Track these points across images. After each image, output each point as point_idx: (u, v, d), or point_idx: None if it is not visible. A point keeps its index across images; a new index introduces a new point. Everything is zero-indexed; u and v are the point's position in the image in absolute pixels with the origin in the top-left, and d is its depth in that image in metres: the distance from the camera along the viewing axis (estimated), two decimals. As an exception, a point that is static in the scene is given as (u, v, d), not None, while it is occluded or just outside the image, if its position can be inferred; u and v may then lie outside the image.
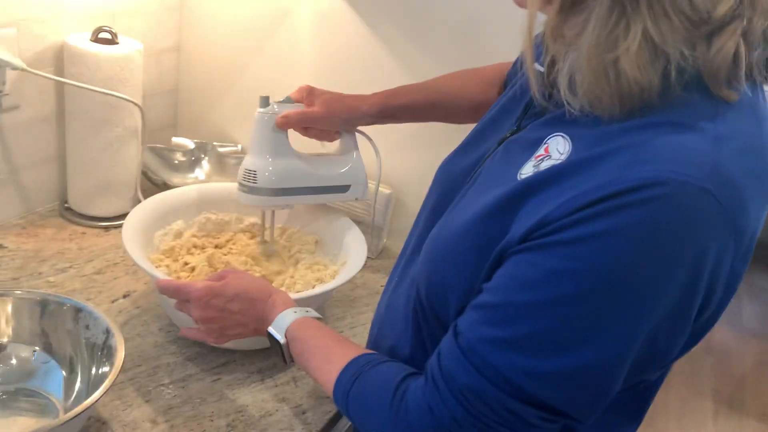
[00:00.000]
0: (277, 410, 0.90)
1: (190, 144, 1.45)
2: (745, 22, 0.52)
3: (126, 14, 1.30)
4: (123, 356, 0.79)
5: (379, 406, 0.65)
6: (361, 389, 0.68)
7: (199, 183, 1.40)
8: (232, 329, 0.85)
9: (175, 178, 1.38)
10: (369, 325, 1.11)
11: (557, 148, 0.58)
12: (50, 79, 1.14)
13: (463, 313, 0.60)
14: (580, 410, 0.55)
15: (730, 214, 0.50)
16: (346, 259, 1.06)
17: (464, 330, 0.58)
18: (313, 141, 1.08)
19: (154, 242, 1.05)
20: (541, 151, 0.60)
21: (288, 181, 1.05)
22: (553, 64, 0.61)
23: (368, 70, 1.31)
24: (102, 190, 1.23)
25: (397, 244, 1.25)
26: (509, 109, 0.75)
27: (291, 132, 1.05)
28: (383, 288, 0.89)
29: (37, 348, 0.84)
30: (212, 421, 0.86)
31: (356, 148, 1.11)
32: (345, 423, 1.00)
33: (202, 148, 1.45)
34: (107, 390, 0.74)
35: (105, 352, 0.81)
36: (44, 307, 0.84)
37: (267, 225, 1.12)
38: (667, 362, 0.57)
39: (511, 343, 0.54)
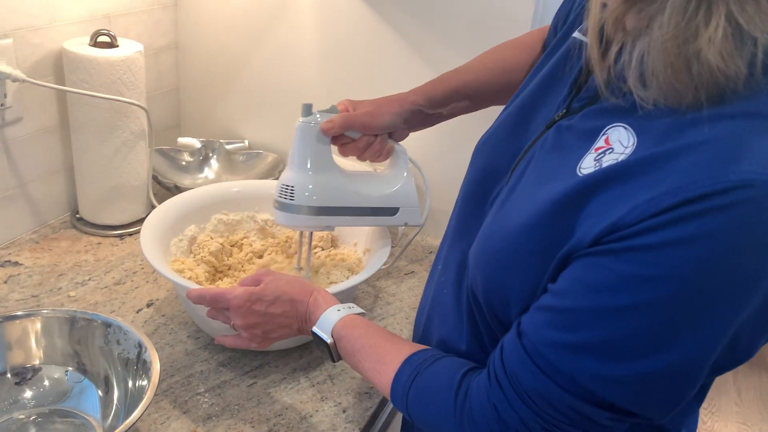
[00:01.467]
0: (317, 411, 0.89)
1: (196, 143, 1.42)
2: None
3: (121, 15, 1.26)
4: (159, 370, 0.77)
5: (441, 405, 0.63)
6: (421, 389, 0.65)
7: (208, 183, 1.38)
8: (275, 332, 0.83)
9: (185, 180, 1.35)
10: (398, 316, 1.09)
11: (620, 140, 0.54)
12: (53, 88, 1.11)
13: (526, 313, 0.58)
14: (655, 412, 0.53)
15: None
16: (369, 246, 1.04)
17: (529, 332, 0.56)
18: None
19: (171, 250, 1.02)
20: (600, 143, 0.56)
21: (329, 199, 0.93)
22: (607, 50, 0.56)
23: (375, 58, 1.27)
24: (113, 198, 1.20)
25: (411, 230, 1.22)
26: (551, 86, 0.70)
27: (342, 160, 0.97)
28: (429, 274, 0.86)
29: (70, 368, 0.82)
30: (253, 427, 0.85)
31: (407, 167, 1.00)
32: (385, 418, 0.99)
33: (209, 147, 1.42)
34: (148, 406, 0.72)
35: (140, 367, 0.79)
36: (73, 324, 0.82)
37: (305, 247, 1.02)
38: (746, 360, 0.55)
39: (583, 348, 0.52)
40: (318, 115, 0.92)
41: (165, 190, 1.30)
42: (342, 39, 1.29)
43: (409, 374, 0.67)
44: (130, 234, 1.23)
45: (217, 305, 0.84)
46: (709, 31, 0.47)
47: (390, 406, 1.03)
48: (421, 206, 1.02)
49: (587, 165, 0.55)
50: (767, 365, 2.85)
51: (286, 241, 1.10)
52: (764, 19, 0.47)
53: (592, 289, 0.51)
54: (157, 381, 0.76)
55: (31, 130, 1.14)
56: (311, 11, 1.30)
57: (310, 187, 0.92)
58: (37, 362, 0.81)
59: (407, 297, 1.15)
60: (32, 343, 0.80)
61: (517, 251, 0.59)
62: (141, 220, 1.26)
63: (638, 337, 0.50)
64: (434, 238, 1.35)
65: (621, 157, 0.53)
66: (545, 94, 0.70)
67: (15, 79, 1.04)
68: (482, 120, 1.23)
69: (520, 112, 0.73)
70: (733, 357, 0.53)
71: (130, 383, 0.80)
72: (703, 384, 0.63)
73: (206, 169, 1.41)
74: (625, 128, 0.55)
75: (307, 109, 0.92)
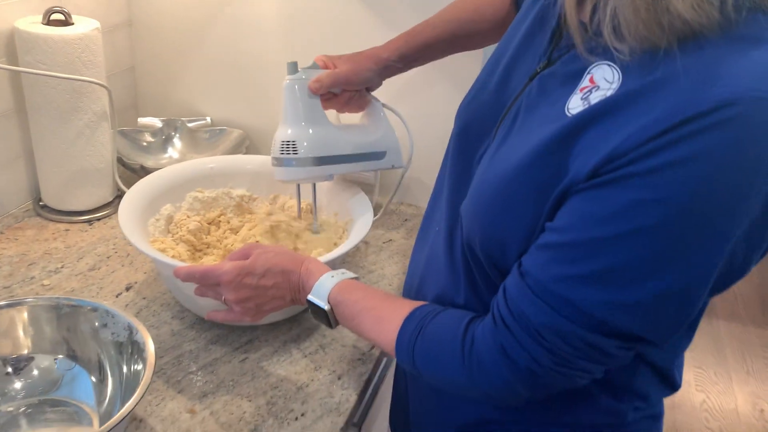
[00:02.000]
0: (312, 380, 0.89)
1: (157, 123, 1.38)
2: None
3: (71, -8, 1.21)
4: (153, 351, 0.76)
5: (448, 355, 0.64)
6: (427, 341, 0.67)
7: (173, 162, 1.34)
8: (268, 304, 0.83)
9: (149, 161, 1.32)
10: (382, 283, 1.10)
11: (605, 78, 0.56)
12: (12, 70, 1.06)
13: (526, 255, 0.59)
14: (661, 335, 0.55)
15: None
16: (351, 217, 1.04)
17: (533, 271, 0.57)
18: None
19: (149, 230, 1.00)
20: (585, 83, 0.57)
21: (329, 148, 0.99)
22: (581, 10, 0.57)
23: (335, 26, 1.26)
24: (78, 182, 1.17)
25: (385, 198, 1.23)
26: (530, 42, 0.71)
27: None
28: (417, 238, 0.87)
29: (60, 356, 0.80)
30: (251, 401, 0.84)
31: (384, 115, 1.08)
32: (375, 381, 1.00)
33: (171, 126, 1.39)
34: (147, 387, 0.71)
35: (133, 349, 0.78)
36: (59, 311, 0.80)
37: (307, 200, 1.07)
38: (741, 277, 0.58)
39: (591, 279, 0.53)
40: (303, 73, 0.97)
41: (130, 171, 1.26)
42: (300, 9, 1.27)
43: (413, 329, 0.68)
44: (98, 219, 1.20)
45: (208, 281, 0.83)
46: None
47: (380, 371, 1.04)
48: (405, 150, 1.11)
49: (575, 105, 0.57)
50: (716, 312, 2.99)
51: (268, 215, 1.09)
52: None
53: (594, 220, 0.53)
54: (153, 361, 0.74)
55: (-15, 115, 1.09)
56: (270, -19, 1.27)
57: (310, 139, 0.97)
58: (26, 351, 0.78)
59: (388, 265, 1.15)
60: (20, 332, 0.77)
61: (513, 195, 0.60)
62: (108, 204, 1.23)
63: (643, 261, 0.52)
64: (407, 206, 1.35)
65: (609, 92, 0.54)
66: (524, 51, 0.71)
67: (-32, 62, 0.99)
68: (458, 88, 1.24)
69: (501, 71, 0.74)
70: (731, 274, 0.56)
71: (124, 367, 0.78)
72: (693, 319, 0.66)
73: (169, 149, 1.38)
74: (609, 65, 0.56)
75: (293, 67, 0.97)
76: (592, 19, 0.56)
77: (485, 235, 0.64)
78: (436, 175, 1.30)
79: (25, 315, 0.77)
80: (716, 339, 2.81)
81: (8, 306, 0.76)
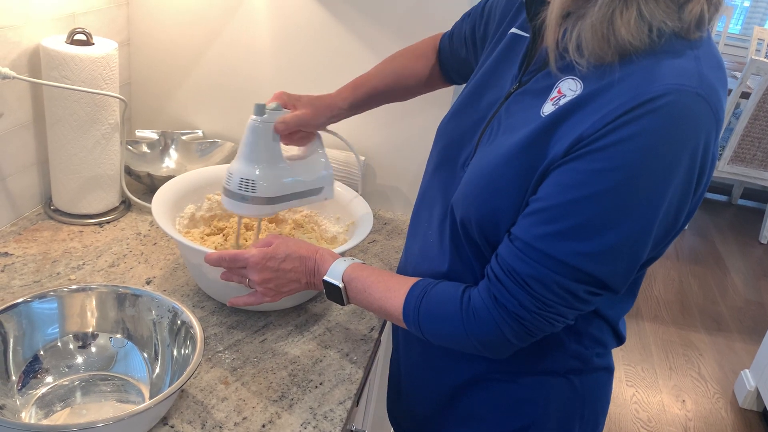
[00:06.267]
0: (324, 356, 1.03)
1: (154, 135, 1.49)
2: None
3: (82, 14, 1.31)
4: (202, 333, 0.88)
5: (449, 313, 0.81)
6: (430, 304, 0.83)
7: (171, 172, 1.46)
8: (286, 286, 0.97)
9: (152, 169, 1.43)
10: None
11: (569, 88, 0.75)
12: (48, 85, 1.16)
13: (515, 225, 0.77)
14: (618, 279, 0.73)
15: (714, 109, 0.70)
16: (353, 219, 1.19)
17: (520, 234, 0.75)
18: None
19: (177, 227, 1.13)
20: (554, 94, 0.76)
21: (281, 188, 1.06)
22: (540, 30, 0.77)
23: (327, 50, 1.41)
24: (91, 188, 1.27)
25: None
26: (499, 69, 0.90)
27: None
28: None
29: (116, 335, 0.91)
30: (275, 373, 0.98)
31: (323, 149, 1.15)
32: (375, 359, 1.14)
33: (167, 137, 1.50)
34: (199, 364, 0.84)
35: (181, 330, 0.90)
36: (119, 297, 0.92)
37: (248, 230, 1.18)
38: (676, 232, 0.77)
39: (564, 234, 0.72)
40: (269, 115, 1.04)
41: (134, 179, 1.37)
42: (293, 33, 1.42)
43: (417, 295, 0.85)
44: (108, 222, 1.30)
45: (236, 264, 0.96)
46: (625, 18, 0.69)
47: (379, 346, 1.19)
48: (360, 180, 1.25)
49: (548, 109, 0.76)
50: (642, 314, 3.27)
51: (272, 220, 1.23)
52: (660, 13, 0.69)
53: (565, 187, 0.72)
54: (203, 339, 0.87)
55: (7, 126, 1.19)
56: (264, 6, 1.41)
57: (268, 180, 1.05)
58: (90, 329, 0.90)
59: (376, 262, 1.31)
60: (88, 314, 0.89)
61: (501, 179, 0.78)
62: (115, 209, 1.34)
63: (603, 217, 0.70)
64: (385, 211, 1.52)
65: (574, 97, 0.74)
66: (493, 77, 0.91)
67: (5, 77, 1.09)
68: (430, 112, 1.41)
69: (474, 95, 0.93)
70: (669, 229, 0.74)
71: (174, 348, 0.90)
72: (637, 279, 0.85)
73: (167, 159, 1.49)
74: (573, 78, 0.75)
75: (260, 109, 1.04)
76: (561, 40, 0.76)
77: (480, 214, 0.81)
78: (411, 185, 1.50)
79: (94, 299, 0.89)
80: (643, 339, 3.09)
81: (79, 290, 0.88)
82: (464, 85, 1.03)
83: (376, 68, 1.18)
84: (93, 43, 1.20)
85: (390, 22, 1.36)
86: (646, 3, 0.69)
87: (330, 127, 1.15)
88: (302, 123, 1.09)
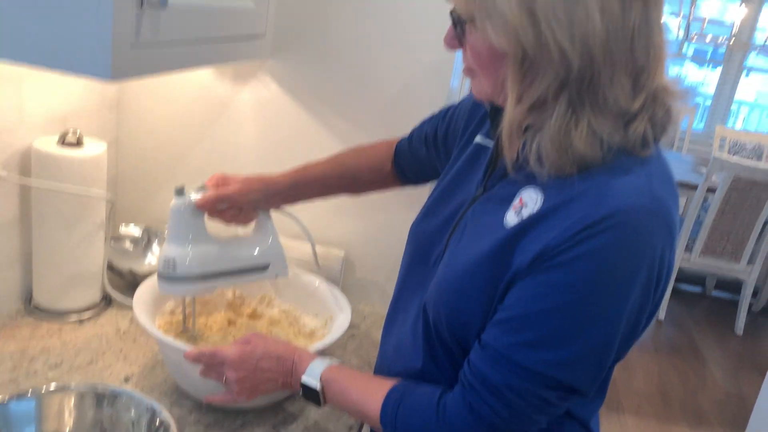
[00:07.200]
0: (302, 457, 1.03)
1: (137, 231, 1.52)
2: (650, 112, 0.77)
3: (74, 116, 1.37)
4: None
5: (426, 419, 0.83)
6: (407, 412, 0.85)
7: (153, 268, 1.48)
8: (263, 385, 0.97)
9: (134, 265, 1.45)
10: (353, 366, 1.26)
11: (531, 198, 0.79)
12: (30, 185, 1.20)
13: (484, 332, 0.80)
14: (587, 384, 0.76)
15: (666, 223, 0.75)
16: (331, 314, 1.21)
17: (490, 342, 0.78)
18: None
19: (156, 323, 1.14)
20: (516, 202, 0.81)
21: (207, 266, 1.09)
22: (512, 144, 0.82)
23: (310, 151, 1.47)
24: (72, 284, 1.28)
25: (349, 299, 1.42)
26: (465, 175, 0.96)
27: (210, 223, 1.13)
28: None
29: (93, 435, 0.91)
30: (252, 475, 0.97)
31: (272, 227, 1.17)
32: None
33: (150, 233, 1.52)
34: (180, 457, 0.84)
35: (157, 430, 0.90)
36: (95, 396, 0.92)
37: (189, 311, 1.17)
38: (636, 337, 0.80)
39: (532, 344, 0.75)
40: (190, 195, 1.08)
41: (117, 275, 1.39)
42: (277, 133, 1.48)
43: (395, 401, 0.86)
44: (88, 319, 1.31)
45: (214, 361, 0.97)
46: (578, 131, 0.75)
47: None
48: (315, 258, 1.24)
49: (511, 219, 0.80)
50: (622, 407, 3.25)
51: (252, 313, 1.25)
52: (608, 126, 0.75)
53: (531, 298, 0.75)
54: (180, 436, 0.87)
55: (-6, 223, 1.21)
56: (250, 111, 1.48)
57: (190, 258, 1.07)
58: (67, 430, 0.89)
59: (354, 357, 1.32)
60: (66, 413, 0.89)
61: (470, 285, 0.82)
62: (95, 305, 1.34)
63: (568, 327, 0.74)
64: (365, 305, 1.54)
65: (535, 208, 0.78)
66: (462, 181, 0.97)
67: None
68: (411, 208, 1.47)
69: (443, 198, 0.99)
70: (631, 335, 0.78)
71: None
72: (605, 379, 0.87)
73: (149, 255, 1.51)
74: (534, 188, 0.80)
75: (180, 191, 1.08)
76: (520, 153, 0.81)
77: (450, 318, 0.84)
78: (388, 278, 1.53)
79: (73, 399, 0.89)
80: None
81: (57, 390, 0.88)
82: (433, 187, 1.09)
83: (329, 156, 1.22)
84: (83, 145, 1.25)
85: (367, 125, 1.43)
86: (594, 117, 0.75)
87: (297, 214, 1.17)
88: (223, 198, 1.11)
